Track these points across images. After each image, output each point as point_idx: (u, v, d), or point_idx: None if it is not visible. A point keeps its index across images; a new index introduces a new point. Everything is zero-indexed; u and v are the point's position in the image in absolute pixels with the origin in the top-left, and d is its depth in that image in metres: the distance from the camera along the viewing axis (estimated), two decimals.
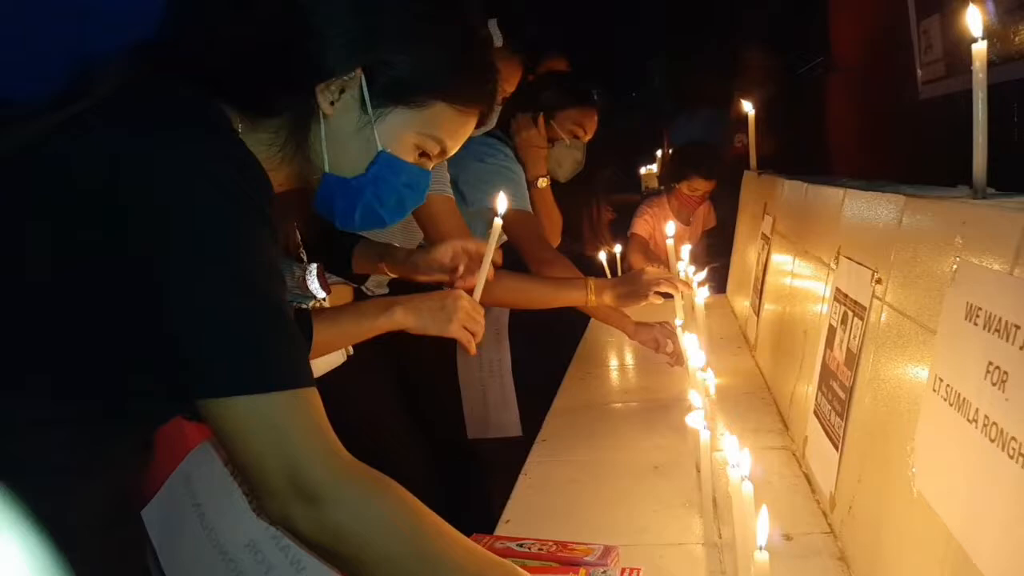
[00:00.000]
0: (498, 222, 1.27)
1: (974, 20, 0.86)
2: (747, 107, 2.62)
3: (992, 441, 0.68)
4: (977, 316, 0.75)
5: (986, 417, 0.70)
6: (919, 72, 2.42)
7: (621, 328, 1.99)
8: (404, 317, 1.22)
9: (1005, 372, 0.68)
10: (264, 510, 0.72)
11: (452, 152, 0.89)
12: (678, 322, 1.71)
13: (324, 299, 1.29)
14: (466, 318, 1.25)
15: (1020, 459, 0.63)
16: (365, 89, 0.80)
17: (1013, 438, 0.65)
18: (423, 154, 0.86)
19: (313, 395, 0.72)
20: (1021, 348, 0.66)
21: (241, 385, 0.68)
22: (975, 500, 0.71)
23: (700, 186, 3.22)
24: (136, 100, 0.75)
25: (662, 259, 3.14)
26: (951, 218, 0.86)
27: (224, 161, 0.72)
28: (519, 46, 1.84)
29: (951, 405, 0.77)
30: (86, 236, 0.69)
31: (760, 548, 0.76)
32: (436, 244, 1.36)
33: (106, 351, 0.73)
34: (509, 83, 1.86)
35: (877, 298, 1.06)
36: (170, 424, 0.86)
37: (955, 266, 0.82)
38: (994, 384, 0.69)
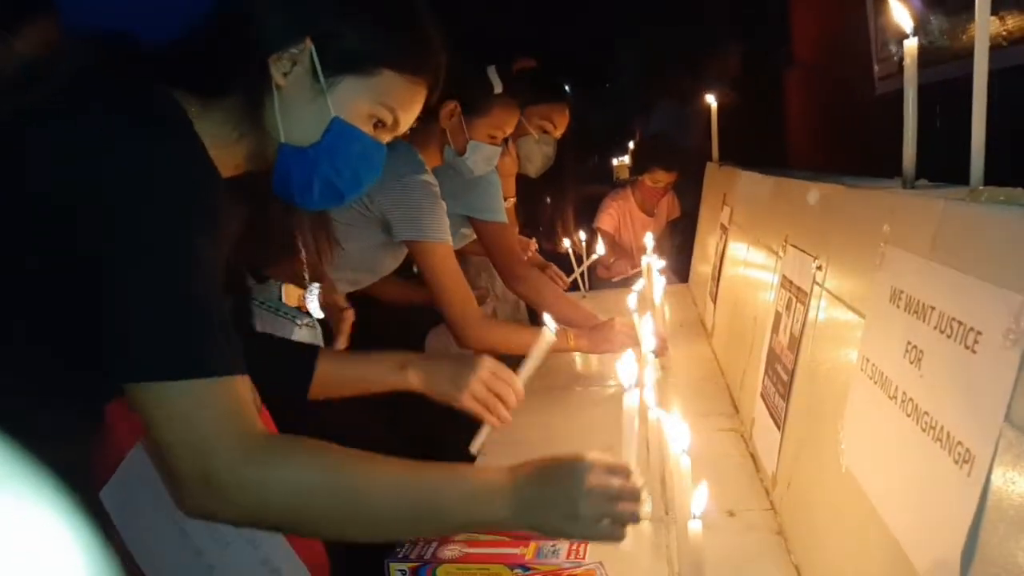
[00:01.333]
0: (549, 336, 1.29)
1: (903, 17, 0.90)
2: (709, 100, 2.66)
3: (908, 416, 0.72)
4: (899, 299, 0.79)
5: (904, 393, 0.74)
6: (876, 68, 2.49)
7: (580, 350, 1.94)
8: (416, 379, 1.18)
9: (921, 351, 0.72)
10: (181, 504, 0.74)
11: (405, 126, 0.92)
12: (632, 305, 1.76)
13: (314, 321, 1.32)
14: (479, 389, 1.20)
15: (931, 432, 0.67)
16: (316, 59, 0.83)
17: (926, 412, 0.69)
18: (378, 123, 0.88)
19: (234, 384, 0.74)
20: (934, 328, 0.70)
21: (155, 370, 0.71)
22: (892, 472, 0.76)
23: (662, 178, 3.27)
24: (90, 91, 0.77)
25: (628, 253, 3.20)
26: (880, 206, 0.91)
27: (173, 159, 0.74)
28: (517, 90, 1.88)
29: (875, 383, 0.82)
30: (37, 226, 0.72)
31: (694, 517, 0.80)
32: (472, 362, 1.23)
33: (52, 326, 0.76)
34: (509, 125, 1.89)
35: (817, 284, 1.11)
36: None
37: (882, 252, 0.86)
38: (911, 363, 0.74)
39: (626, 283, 3.14)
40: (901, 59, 2.38)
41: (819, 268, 1.12)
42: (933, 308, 0.71)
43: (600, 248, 2.77)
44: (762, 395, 1.34)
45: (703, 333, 2.22)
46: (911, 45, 0.90)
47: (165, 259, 0.72)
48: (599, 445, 1.46)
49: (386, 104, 0.88)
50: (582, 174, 3.99)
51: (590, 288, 2.84)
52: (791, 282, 1.26)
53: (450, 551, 1.08)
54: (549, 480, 0.82)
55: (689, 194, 3.43)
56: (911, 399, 0.73)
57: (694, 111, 3.99)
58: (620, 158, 5.37)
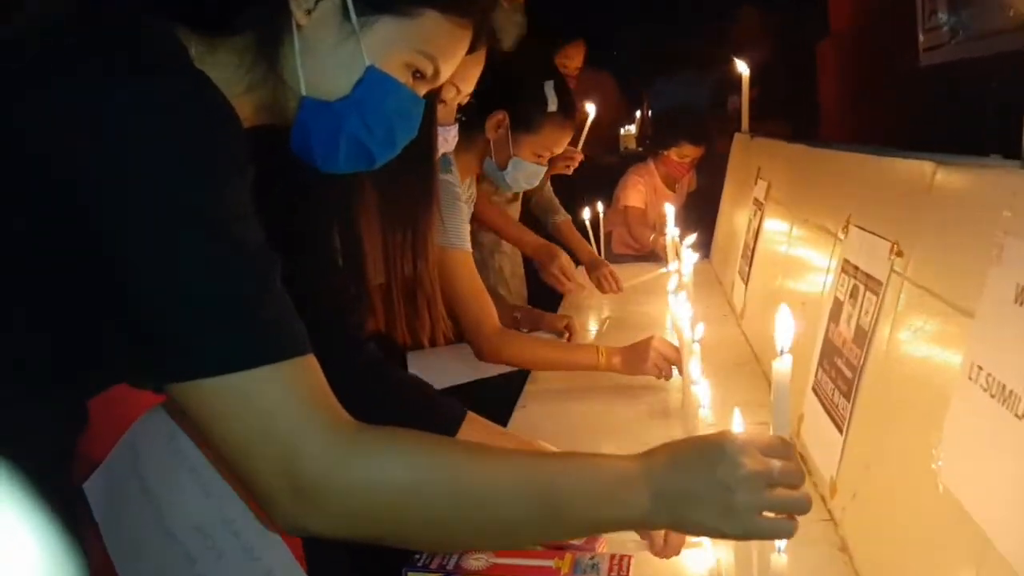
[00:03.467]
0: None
1: None
2: (741, 68, 2.52)
3: None
4: None
5: None
6: (921, 38, 2.33)
7: (612, 370, 1.71)
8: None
9: None
10: (274, 522, 0.61)
11: (444, 78, 0.77)
12: (671, 288, 1.63)
13: None
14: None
15: None
16: None
17: None
18: (416, 74, 0.74)
19: (305, 365, 0.61)
20: None
21: (208, 364, 0.57)
22: (1017, 504, 0.64)
23: (690, 152, 3.13)
24: (76, 28, 0.63)
25: (658, 229, 3.05)
26: (997, 188, 0.78)
27: (185, 104, 0.61)
28: (572, 111, 1.73)
29: (993, 397, 0.70)
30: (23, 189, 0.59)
31: (779, 551, 0.68)
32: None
33: (53, 314, 0.63)
34: (558, 146, 1.75)
35: (896, 272, 0.98)
36: (114, 391, 0.75)
37: (1001, 243, 0.74)
38: None
39: (641, 259, 3.02)
40: (951, 28, 2.23)
41: (897, 254, 0.99)
42: None
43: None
44: (815, 390, 1.22)
45: (731, 314, 2.10)
46: None
47: (194, 221, 0.59)
48: (639, 443, 1.36)
49: (426, 52, 0.73)
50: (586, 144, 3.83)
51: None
52: (857, 268, 1.13)
53: (475, 561, 0.97)
54: (692, 465, 0.65)
55: (705, 168, 3.30)
56: None
57: (714, 80, 3.84)
58: (626, 127, 5.20)
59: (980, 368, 0.73)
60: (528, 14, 2.24)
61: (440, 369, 1.54)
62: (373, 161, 0.76)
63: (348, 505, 0.60)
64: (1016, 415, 0.65)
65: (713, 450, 0.65)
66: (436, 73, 0.75)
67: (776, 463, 0.64)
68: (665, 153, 3.15)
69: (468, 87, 1.25)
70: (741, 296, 2.02)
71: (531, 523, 0.64)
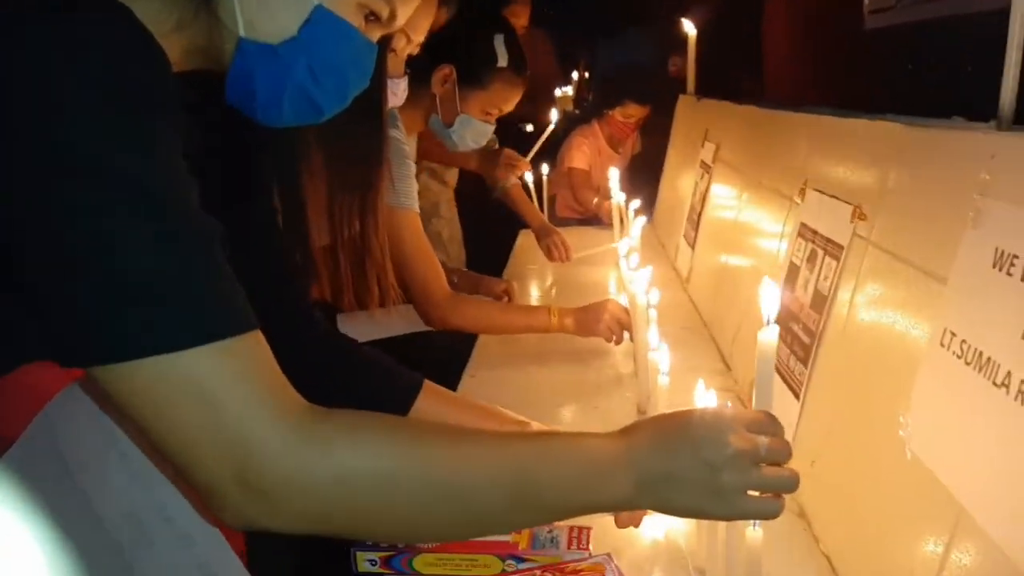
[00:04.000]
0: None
1: None
2: (688, 27, 2.48)
3: None
4: (1012, 265, 0.65)
5: (1022, 382, 0.61)
6: (866, 0, 2.34)
7: (564, 330, 1.69)
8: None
9: None
10: (220, 516, 0.54)
11: (400, 23, 0.69)
12: (622, 252, 1.59)
13: None
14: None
15: None
16: None
17: None
18: (370, 17, 0.67)
19: (251, 341, 0.54)
20: None
21: (146, 341, 0.50)
22: (996, 470, 0.63)
23: (634, 112, 3.08)
24: None
25: (602, 192, 3.01)
26: (972, 150, 0.76)
27: (105, 44, 0.52)
28: (523, 67, 1.63)
29: (968, 364, 0.68)
30: None
31: (753, 526, 0.66)
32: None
33: None
34: (507, 104, 1.65)
35: (860, 236, 0.96)
36: (30, 368, 0.67)
37: (978, 206, 0.72)
38: None
39: (585, 222, 2.99)
40: None
41: (860, 218, 0.97)
42: None
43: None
44: None
45: (676, 279, 2.08)
46: None
47: (117, 184, 0.51)
48: (590, 405, 1.35)
49: None
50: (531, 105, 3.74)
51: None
52: (816, 232, 1.11)
53: None
54: (676, 445, 0.60)
55: (648, 130, 3.27)
56: None
57: (657, 40, 3.80)
58: (562, 88, 5.13)
59: (953, 335, 0.71)
60: None
61: (369, 322, 1.47)
62: (321, 114, 0.68)
63: (309, 504, 0.53)
64: (994, 383, 0.64)
65: (698, 429, 0.61)
66: (392, 16, 0.68)
67: (763, 440, 0.60)
68: (609, 113, 3.09)
69: (419, 36, 1.18)
70: (687, 261, 2.01)
71: (508, 512, 0.59)
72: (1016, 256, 0.64)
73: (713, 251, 1.78)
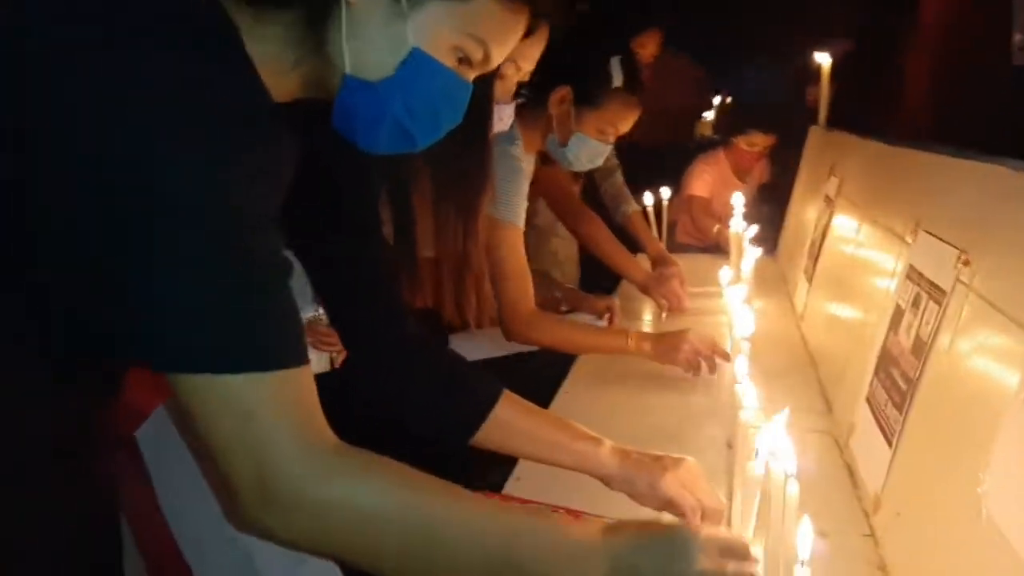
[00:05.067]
0: None
1: None
2: (821, 59, 2.42)
3: None
4: None
5: None
6: (1016, 35, 2.20)
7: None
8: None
9: None
10: (233, 517, 0.63)
11: (496, 63, 0.75)
12: (723, 281, 1.58)
13: None
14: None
15: None
16: None
17: None
18: (463, 59, 0.72)
19: (298, 376, 0.62)
20: None
21: (200, 360, 0.58)
22: None
23: (759, 141, 3.03)
24: None
25: (723, 220, 2.98)
26: None
27: (216, 82, 0.60)
28: (638, 87, 1.68)
29: None
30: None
31: (801, 564, 0.66)
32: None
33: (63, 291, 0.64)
34: (624, 123, 1.70)
35: (962, 282, 0.93)
36: None
37: None
38: None
39: (705, 250, 2.95)
40: None
41: (965, 264, 0.94)
42: None
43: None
44: (868, 400, 1.17)
45: (792, 314, 2.03)
46: None
47: (203, 214, 0.58)
48: (676, 431, 1.35)
49: (477, 36, 0.71)
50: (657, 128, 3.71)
51: (669, 251, 2.64)
52: (921, 275, 1.07)
53: None
54: (650, 552, 0.68)
55: (780, 159, 3.19)
56: None
57: (793, 68, 3.70)
58: (704, 114, 5.06)
59: None
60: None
61: (476, 346, 1.54)
62: (415, 144, 0.74)
63: (312, 523, 0.61)
64: None
65: (675, 542, 0.69)
66: (487, 58, 0.73)
67: (730, 566, 0.68)
68: (734, 141, 3.05)
69: (528, 65, 1.23)
70: (803, 296, 1.95)
71: (479, 570, 0.66)
72: None
73: (828, 288, 1.73)
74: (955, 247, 0.97)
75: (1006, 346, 0.78)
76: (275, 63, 0.68)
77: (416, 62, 0.69)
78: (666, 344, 1.52)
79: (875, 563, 0.95)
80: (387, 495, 0.63)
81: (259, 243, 0.61)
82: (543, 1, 0.75)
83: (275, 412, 0.60)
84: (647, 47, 2.27)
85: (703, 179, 3.07)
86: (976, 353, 0.85)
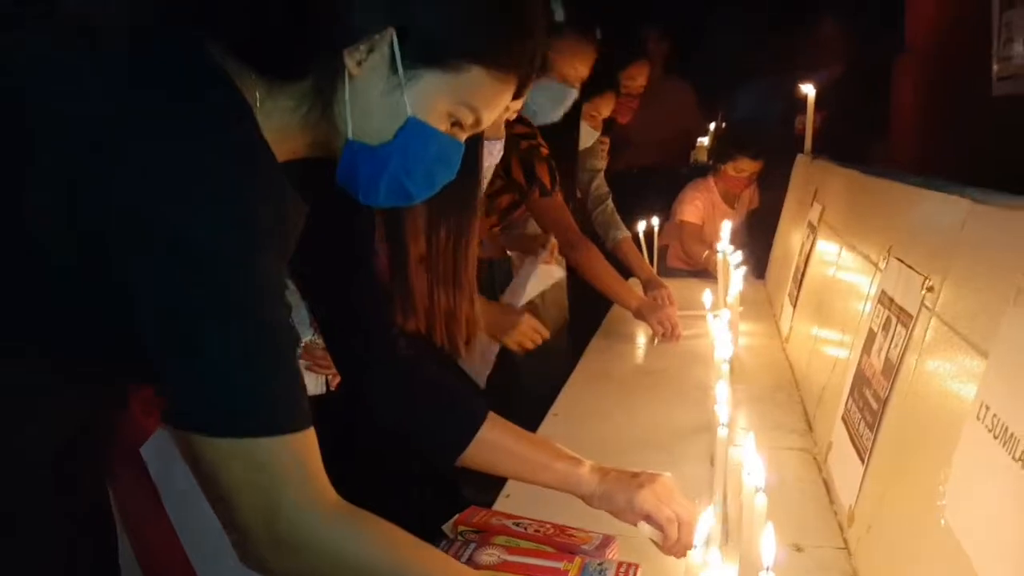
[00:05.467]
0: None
1: None
2: (807, 89, 2.49)
3: None
4: None
5: None
6: (994, 66, 2.28)
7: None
8: (591, 483, 1.04)
9: None
10: (236, 546, 0.69)
11: (487, 123, 0.81)
12: (707, 304, 1.64)
13: None
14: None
15: None
16: (396, 49, 0.73)
17: None
18: (456, 123, 0.79)
19: (304, 439, 0.69)
20: None
21: (220, 426, 0.65)
22: (1005, 544, 0.65)
23: (747, 167, 3.10)
24: (135, 48, 0.68)
25: (712, 246, 3.06)
26: (1020, 228, 0.78)
27: (236, 162, 0.66)
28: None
29: (996, 438, 0.70)
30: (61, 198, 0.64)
31: (766, 570, 0.70)
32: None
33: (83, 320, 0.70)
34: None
35: (926, 307, 0.98)
36: None
37: (1021, 286, 0.74)
38: None
39: (695, 274, 3.01)
40: None
41: (929, 289, 0.99)
42: None
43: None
44: (844, 419, 1.22)
45: (777, 337, 2.08)
46: None
47: (226, 284, 0.65)
48: (663, 449, 1.39)
49: (469, 103, 0.77)
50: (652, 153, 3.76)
51: (660, 275, 2.69)
52: (892, 300, 1.13)
53: (488, 556, 1.01)
54: None
55: (770, 185, 3.26)
56: None
57: (785, 94, 3.78)
58: (700, 139, 5.13)
59: (987, 408, 0.73)
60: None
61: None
62: (412, 200, 0.81)
63: (312, 560, 0.69)
64: (1014, 458, 0.66)
65: None
66: (478, 121, 0.79)
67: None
68: (723, 168, 3.12)
69: (517, 105, 1.28)
70: (788, 320, 2.01)
71: None
72: None
73: (810, 312, 1.79)
74: (920, 273, 1.03)
75: (963, 366, 0.83)
76: (285, 128, 0.75)
77: (413, 129, 0.75)
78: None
79: (848, 573, 1.00)
80: (380, 550, 0.72)
81: (278, 316, 0.68)
82: (529, 70, 0.81)
83: (287, 467, 0.67)
84: (637, 79, 2.35)
85: (694, 204, 3.13)
86: (937, 373, 0.90)
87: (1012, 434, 0.67)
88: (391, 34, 0.72)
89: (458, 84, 0.75)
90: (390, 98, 0.74)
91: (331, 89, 0.73)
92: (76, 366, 0.73)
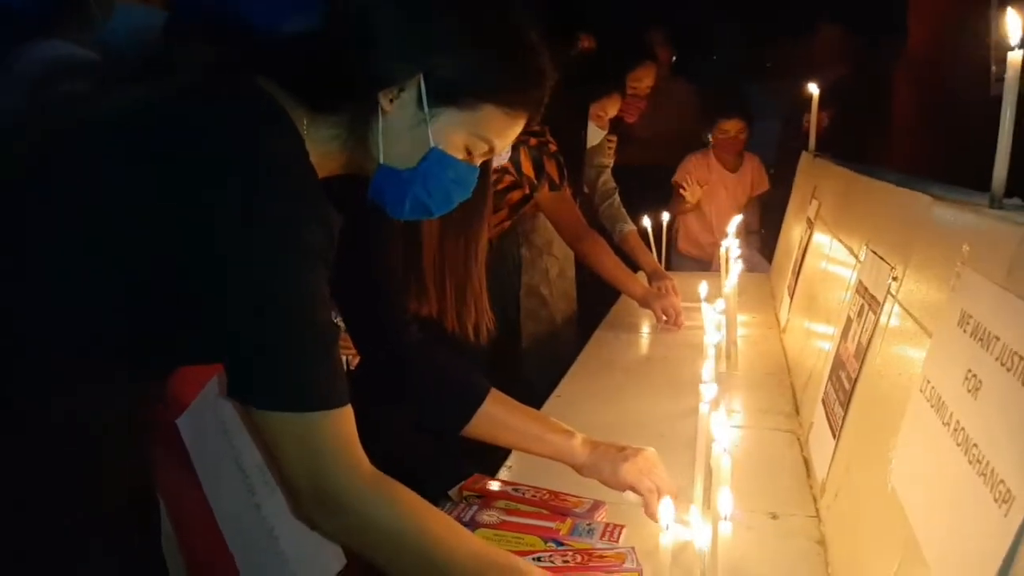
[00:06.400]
0: None
1: (1013, 26, 0.85)
2: (811, 88, 2.56)
3: (958, 446, 0.70)
4: (967, 323, 0.76)
5: (957, 422, 0.72)
6: (993, 68, 2.34)
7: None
8: (583, 454, 1.13)
9: (980, 381, 0.70)
10: (293, 507, 0.83)
11: (501, 151, 0.94)
12: (702, 294, 1.73)
13: None
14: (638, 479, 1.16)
15: (977, 465, 0.65)
16: (423, 91, 0.86)
17: (975, 445, 0.67)
18: (471, 152, 0.91)
19: (344, 414, 0.81)
20: (996, 359, 0.67)
21: (279, 403, 0.78)
22: (934, 498, 0.74)
23: (729, 126, 3.21)
24: (230, 95, 0.82)
25: (707, 221, 3.20)
26: (964, 224, 0.87)
27: (300, 208, 0.79)
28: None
29: (932, 407, 0.79)
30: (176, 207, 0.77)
31: (724, 519, 0.80)
32: None
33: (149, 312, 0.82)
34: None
35: (891, 295, 1.07)
36: None
37: (958, 272, 0.83)
38: (969, 391, 0.71)
39: (703, 267, 3.10)
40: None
41: (895, 278, 1.08)
42: (998, 339, 0.68)
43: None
44: (823, 400, 1.31)
45: (776, 327, 2.17)
46: (1015, 57, 0.85)
47: (287, 295, 0.78)
48: (657, 431, 1.48)
49: (483, 136, 0.90)
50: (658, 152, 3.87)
51: (669, 268, 2.78)
52: (866, 288, 1.22)
53: (489, 516, 1.11)
54: None
55: (785, 183, 3.32)
56: (963, 428, 0.70)
57: (792, 98, 3.84)
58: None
59: (928, 381, 0.82)
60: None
61: None
62: (432, 214, 0.94)
63: (350, 521, 0.82)
64: (943, 422, 0.75)
65: None
66: (491, 150, 0.92)
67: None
68: (711, 136, 3.26)
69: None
70: (786, 311, 2.09)
71: None
72: (970, 316, 0.76)
73: (804, 303, 1.87)
74: (888, 263, 1.12)
75: (916, 346, 0.92)
76: (327, 153, 0.88)
77: (434, 157, 0.89)
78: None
79: (815, 538, 1.09)
80: (410, 519, 0.83)
81: (325, 316, 0.82)
82: (538, 106, 0.94)
83: (330, 438, 0.80)
84: (643, 80, 2.44)
85: (684, 169, 3.27)
86: (895, 355, 0.99)
87: (943, 401, 0.77)
88: (419, 79, 0.86)
89: (473, 120, 0.88)
90: (416, 131, 0.87)
91: (366, 121, 0.87)
92: (136, 362, 0.84)
